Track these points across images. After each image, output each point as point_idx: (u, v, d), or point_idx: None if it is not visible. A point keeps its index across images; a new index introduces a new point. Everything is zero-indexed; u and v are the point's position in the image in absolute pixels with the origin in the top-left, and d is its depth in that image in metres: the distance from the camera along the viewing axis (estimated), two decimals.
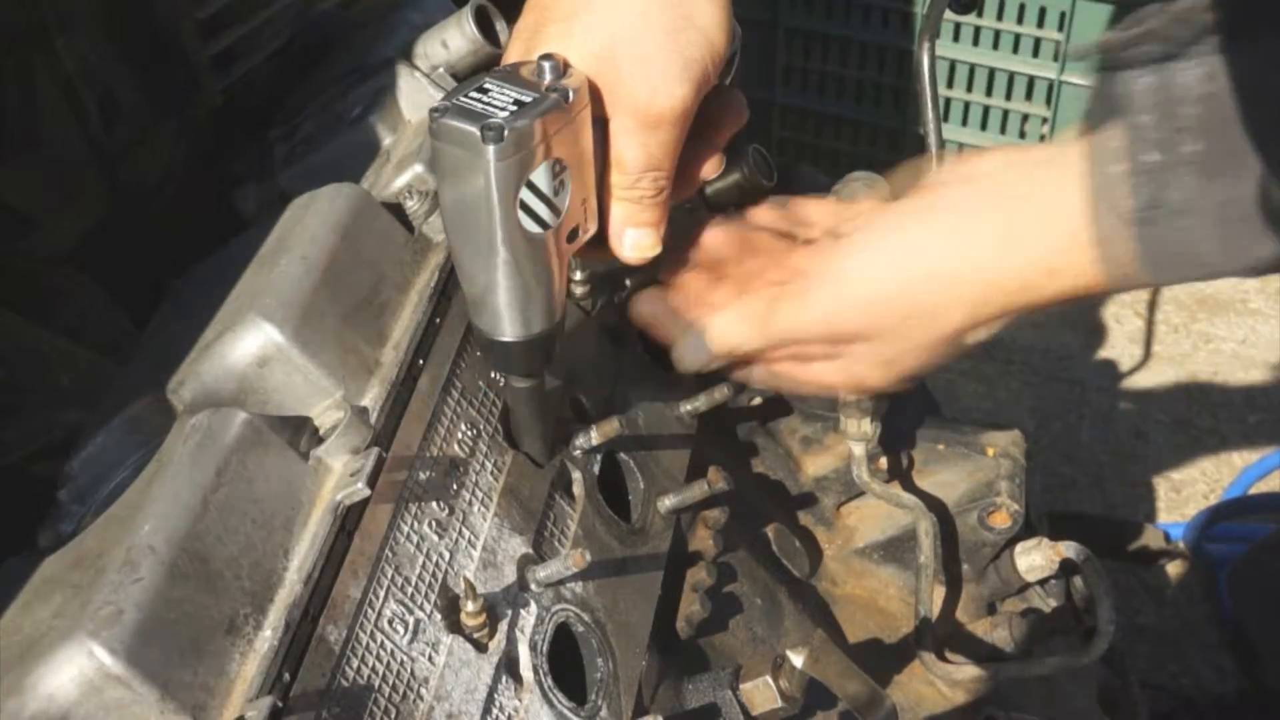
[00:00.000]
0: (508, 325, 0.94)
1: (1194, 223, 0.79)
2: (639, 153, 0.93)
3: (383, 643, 0.90)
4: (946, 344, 0.95)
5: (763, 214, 1.06)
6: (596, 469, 1.14)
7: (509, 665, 0.96)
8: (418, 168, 1.20)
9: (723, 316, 1.00)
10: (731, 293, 1.01)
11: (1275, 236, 0.78)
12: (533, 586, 1.00)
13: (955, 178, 0.94)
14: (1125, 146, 0.81)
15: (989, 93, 2.88)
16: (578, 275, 1.23)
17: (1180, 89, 0.79)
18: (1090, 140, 0.83)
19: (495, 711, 0.93)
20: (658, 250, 0.98)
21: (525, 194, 0.88)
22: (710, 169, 1.01)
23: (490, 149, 0.85)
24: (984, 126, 2.93)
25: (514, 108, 0.86)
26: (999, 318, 0.92)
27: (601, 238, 0.97)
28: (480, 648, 0.95)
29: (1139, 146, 0.80)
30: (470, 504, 1.01)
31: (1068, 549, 1.34)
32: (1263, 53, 0.76)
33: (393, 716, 0.88)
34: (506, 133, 0.85)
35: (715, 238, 1.04)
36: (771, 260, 1.01)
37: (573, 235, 0.93)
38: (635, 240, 0.97)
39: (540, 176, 0.88)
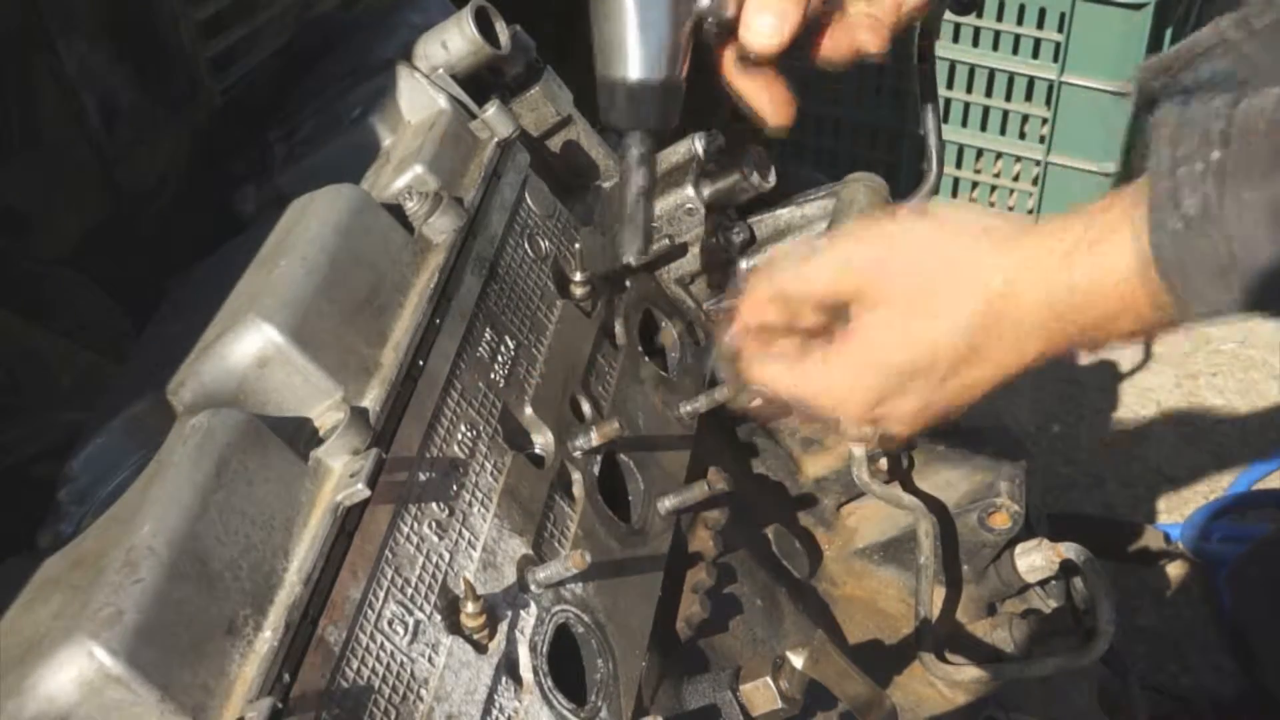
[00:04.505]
0: (633, 64, 0.99)
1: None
2: None
3: (383, 644, 0.90)
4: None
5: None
6: (596, 470, 1.14)
7: (509, 666, 0.96)
8: (418, 168, 1.19)
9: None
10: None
11: None
12: (532, 587, 1.00)
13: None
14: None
15: (989, 93, 2.88)
16: (577, 276, 1.23)
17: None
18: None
19: (495, 712, 0.93)
20: (782, 43, 1.01)
21: None
22: (869, 40, 1.06)
23: None
24: (984, 127, 2.93)
25: None
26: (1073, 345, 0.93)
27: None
28: (480, 649, 0.95)
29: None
30: (470, 505, 1.01)
31: (1068, 550, 1.34)
32: None
33: (392, 717, 0.88)
34: None
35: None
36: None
37: None
38: (763, 26, 1.01)
39: None
